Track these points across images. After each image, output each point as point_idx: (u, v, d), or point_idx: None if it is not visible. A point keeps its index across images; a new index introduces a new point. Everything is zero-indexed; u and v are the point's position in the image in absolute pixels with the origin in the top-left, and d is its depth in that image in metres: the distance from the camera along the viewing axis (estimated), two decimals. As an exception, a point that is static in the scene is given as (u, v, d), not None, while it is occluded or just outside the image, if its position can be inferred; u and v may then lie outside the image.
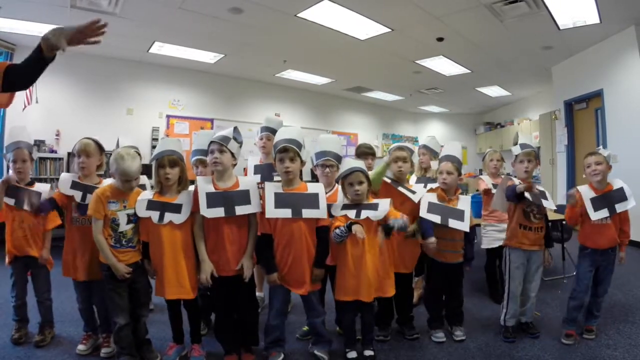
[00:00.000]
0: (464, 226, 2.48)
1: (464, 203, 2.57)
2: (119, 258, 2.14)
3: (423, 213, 2.49)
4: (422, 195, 2.56)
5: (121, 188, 2.19)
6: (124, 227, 2.17)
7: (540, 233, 2.57)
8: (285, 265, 2.19)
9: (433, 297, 2.64)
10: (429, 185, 2.90)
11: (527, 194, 2.41)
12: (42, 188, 2.47)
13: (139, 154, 2.74)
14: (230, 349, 2.25)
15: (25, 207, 2.37)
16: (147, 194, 2.23)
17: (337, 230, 2.14)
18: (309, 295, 2.25)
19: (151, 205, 2.17)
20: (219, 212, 2.12)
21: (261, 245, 2.22)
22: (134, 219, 2.20)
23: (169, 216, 2.16)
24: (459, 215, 2.50)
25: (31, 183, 2.47)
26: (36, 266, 2.43)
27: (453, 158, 2.60)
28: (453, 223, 2.47)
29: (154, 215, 2.15)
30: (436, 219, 2.48)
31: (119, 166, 2.13)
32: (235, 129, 2.26)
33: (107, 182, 2.39)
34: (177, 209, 2.18)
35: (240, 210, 2.13)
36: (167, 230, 2.15)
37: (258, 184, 2.43)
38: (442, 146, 3.22)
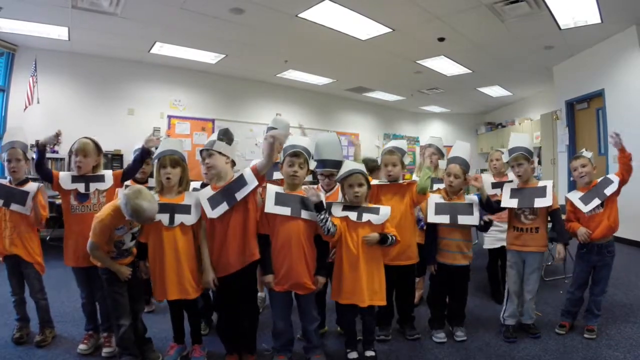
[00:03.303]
0: (474, 220, 2.48)
1: (470, 197, 2.58)
2: (120, 262, 2.15)
3: (431, 217, 2.49)
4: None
5: None
6: (128, 244, 2.18)
7: (535, 233, 2.55)
8: (282, 267, 2.18)
9: (435, 297, 2.64)
10: (436, 186, 2.90)
11: (506, 202, 2.56)
12: (32, 187, 2.46)
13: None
14: (232, 349, 2.25)
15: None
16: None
17: (319, 222, 2.13)
18: (305, 299, 2.24)
19: (159, 208, 2.13)
20: (223, 207, 2.14)
21: (259, 245, 2.22)
22: (137, 234, 2.20)
23: (179, 218, 2.16)
24: (468, 210, 2.50)
25: (25, 181, 2.48)
26: (25, 266, 2.43)
27: (461, 160, 2.58)
28: (462, 219, 2.48)
29: (164, 218, 2.14)
30: (445, 219, 2.48)
31: (141, 218, 1.99)
32: (223, 131, 2.27)
33: (104, 171, 2.43)
34: (186, 209, 2.19)
35: (240, 194, 2.13)
36: (168, 232, 2.15)
37: None
38: (445, 146, 3.23)
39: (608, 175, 2.62)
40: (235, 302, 2.21)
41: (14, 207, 2.40)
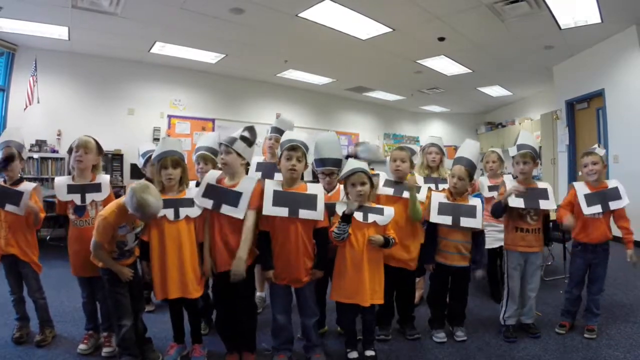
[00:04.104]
0: (476, 223, 2.46)
1: (474, 200, 2.57)
2: (121, 263, 2.16)
3: (434, 217, 2.49)
4: (424, 194, 2.56)
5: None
6: (130, 245, 2.18)
7: (538, 234, 2.57)
8: (280, 262, 2.20)
9: (435, 297, 2.64)
10: (440, 186, 2.90)
11: (512, 201, 2.49)
12: (26, 187, 2.43)
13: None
14: (232, 347, 2.26)
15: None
16: None
17: (336, 230, 2.15)
18: (305, 293, 2.25)
19: (164, 204, 2.13)
20: (207, 203, 2.17)
21: (259, 242, 2.22)
22: (139, 235, 2.20)
23: (184, 211, 2.18)
24: (471, 212, 2.48)
25: (20, 181, 2.46)
26: (23, 266, 2.42)
27: (467, 162, 2.56)
28: (465, 222, 2.46)
29: (169, 212, 2.15)
30: (447, 220, 2.47)
31: (146, 213, 1.98)
32: (250, 128, 2.26)
33: (101, 177, 2.42)
34: (190, 203, 2.21)
35: (225, 209, 2.13)
36: (171, 228, 2.15)
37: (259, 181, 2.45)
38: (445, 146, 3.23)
39: (620, 188, 2.55)
40: (232, 298, 2.21)
41: (9, 207, 2.38)
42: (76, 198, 2.33)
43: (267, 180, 2.29)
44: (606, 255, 2.57)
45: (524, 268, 2.59)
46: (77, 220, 2.34)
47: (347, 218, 2.14)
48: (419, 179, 2.89)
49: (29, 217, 2.44)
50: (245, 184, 2.20)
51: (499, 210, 2.55)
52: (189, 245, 2.18)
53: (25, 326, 2.50)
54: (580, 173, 2.68)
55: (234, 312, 2.23)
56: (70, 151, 2.40)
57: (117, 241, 2.12)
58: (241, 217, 2.13)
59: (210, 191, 2.19)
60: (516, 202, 2.54)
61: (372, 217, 2.23)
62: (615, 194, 2.54)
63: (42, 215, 2.47)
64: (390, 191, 2.54)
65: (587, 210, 2.53)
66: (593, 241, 2.56)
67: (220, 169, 2.51)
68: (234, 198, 2.15)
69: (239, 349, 2.26)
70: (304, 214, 2.17)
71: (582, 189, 2.60)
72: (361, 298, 2.20)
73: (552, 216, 2.92)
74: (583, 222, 2.58)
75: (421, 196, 2.53)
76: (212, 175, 2.25)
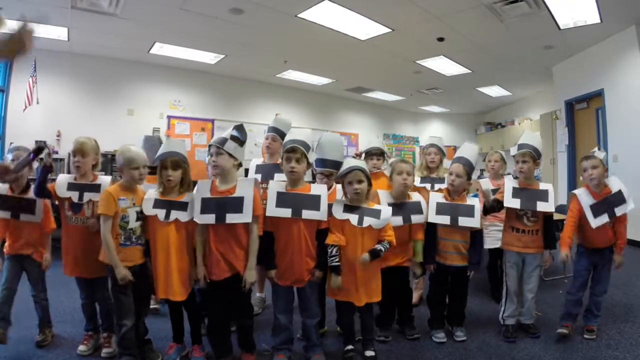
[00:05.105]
0: (474, 222, 2.46)
1: (472, 199, 2.57)
2: (129, 256, 2.14)
3: (432, 217, 2.49)
4: (430, 213, 2.53)
5: (129, 182, 2.21)
6: (133, 223, 2.18)
7: (535, 235, 2.55)
8: (283, 262, 2.20)
9: (435, 297, 2.63)
10: (436, 186, 2.91)
11: (508, 201, 2.52)
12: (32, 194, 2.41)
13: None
14: (221, 354, 2.21)
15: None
16: (153, 194, 2.24)
17: (329, 255, 2.19)
18: (307, 293, 2.25)
19: (157, 204, 2.19)
20: (209, 219, 2.10)
21: (263, 242, 2.21)
22: (141, 216, 2.22)
23: (175, 214, 2.17)
24: (469, 211, 2.48)
25: (27, 187, 2.44)
26: (30, 264, 2.42)
27: (465, 161, 2.56)
28: (463, 221, 2.46)
29: (160, 213, 2.16)
30: (445, 219, 2.47)
31: (125, 155, 2.15)
32: (239, 127, 2.21)
33: (102, 178, 2.44)
34: (183, 207, 2.20)
35: (230, 218, 2.09)
36: (162, 229, 2.16)
37: (257, 180, 2.42)
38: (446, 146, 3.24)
39: (624, 191, 2.49)
40: (227, 302, 2.17)
41: (24, 217, 2.37)
42: (74, 195, 2.35)
43: (271, 182, 2.29)
44: (611, 256, 2.55)
45: (521, 268, 2.59)
46: (72, 216, 2.35)
47: (336, 270, 2.21)
48: (416, 180, 2.89)
49: (44, 221, 2.45)
50: (244, 187, 2.16)
51: (489, 210, 2.62)
52: (177, 249, 2.17)
53: (2, 327, 2.39)
54: (581, 178, 2.61)
55: (231, 315, 2.22)
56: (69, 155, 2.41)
57: (120, 217, 2.13)
58: (249, 220, 2.11)
59: (208, 205, 2.13)
60: (513, 203, 2.53)
61: (367, 221, 2.21)
62: (620, 199, 2.47)
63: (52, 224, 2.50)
64: (399, 221, 2.46)
65: (594, 222, 2.45)
66: (599, 246, 2.53)
67: None
68: (236, 204, 2.11)
69: (228, 356, 2.22)
70: (307, 214, 2.17)
71: (585, 198, 2.50)
72: (355, 298, 2.22)
73: (555, 216, 2.89)
74: (590, 231, 2.49)
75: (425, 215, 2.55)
76: (203, 188, 2.18)
